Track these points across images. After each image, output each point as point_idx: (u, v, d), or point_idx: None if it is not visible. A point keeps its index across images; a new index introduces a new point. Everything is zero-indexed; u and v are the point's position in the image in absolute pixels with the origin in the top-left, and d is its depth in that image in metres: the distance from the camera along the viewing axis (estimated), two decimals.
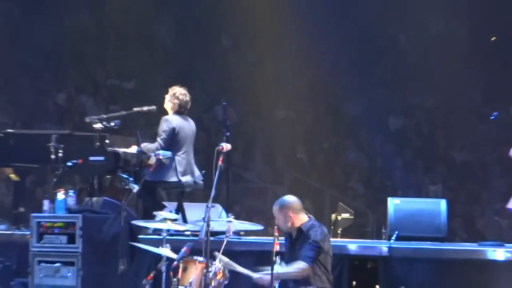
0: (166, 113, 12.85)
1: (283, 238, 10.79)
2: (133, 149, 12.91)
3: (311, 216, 11.11)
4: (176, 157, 12.74)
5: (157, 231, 11.37)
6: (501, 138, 14.96)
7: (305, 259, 10.47)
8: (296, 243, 10.91)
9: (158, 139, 12.77)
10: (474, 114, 19.11)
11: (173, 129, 12.72)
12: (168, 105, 12.92)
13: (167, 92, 12.89)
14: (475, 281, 11.80)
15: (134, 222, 11.63)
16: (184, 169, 12.83)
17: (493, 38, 20.23)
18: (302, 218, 10.86)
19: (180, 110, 12.86)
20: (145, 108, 13.28)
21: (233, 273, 10.75)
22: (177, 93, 12.91)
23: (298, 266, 10.48)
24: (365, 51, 20.63)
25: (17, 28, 20.31)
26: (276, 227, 10.76)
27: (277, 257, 10.39)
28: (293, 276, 10.44)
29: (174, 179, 12.77)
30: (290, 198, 10.96)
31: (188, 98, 12.92)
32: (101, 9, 20.76)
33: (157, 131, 12.88)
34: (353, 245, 12.45)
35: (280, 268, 10.32)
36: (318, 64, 19.65)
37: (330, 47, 20.26)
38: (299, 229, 10.85)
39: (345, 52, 20.42)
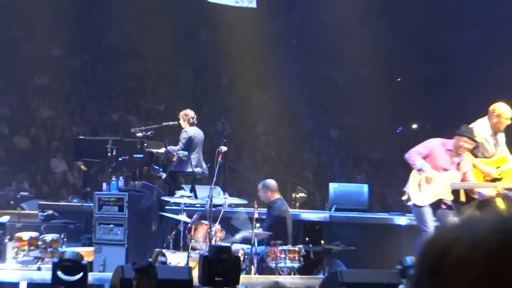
0: (182, 126, 12.87)
1: (261, 209, 10.76)
2: (162, 149, 12.81)
3: (281, 197, 11.12)
4: (191, 155, 12.67)
5: (177, 204, 11.27)
6: (403, 144, 14.91)
7: (264, 229, 10.61)
8: (268, 213, 10.93)
9: (180, 143, 12.71)
10: (386, 129, 19.05)
11: (190, 137, 12.68)
12: (183, 123, 12.85)
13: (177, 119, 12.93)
14: (386, 238, 11.73)
15: (163, 198, 11.55)
16: (196, 163, 12.76)
17: (399, 79, 20.23)
18: (274, 196, 10.87)
19: (193, 122, 12.81)
20: (170, 123, 13.23)
21: (227, 231, 10.68)
22: (186, 112, 12.92)
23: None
24: (315, 87, 20.57)
25: (87, 70, 20.21)
26: (256, 201, 10.69)
27: (257, 223, 10.33)
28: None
29: (189, 169, 12.70)
30: (270, 181, 11.06)
31: (194, 112, 12.94)
32: (144, 58, 20.66)
33: (179, 138, 12.83)
34: (306, 214, 12.37)
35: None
36: (284, 95, 19.58)
37: (292, 84, 20.16)
38: (269, 204, 10.91)
39: (303, 88, 20.33)
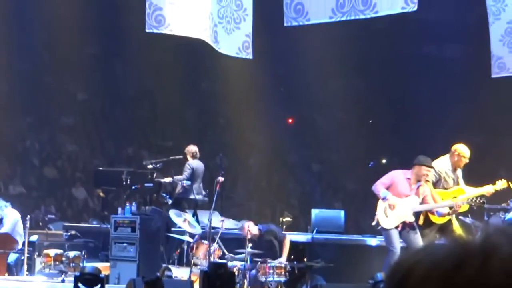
0: (187, 160, 12.77)
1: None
2: (169, 179, 12.72)
3: (260, 225, 10.99)
4: (194, 185, 12.56)
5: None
6: (374, 177, 14.79)
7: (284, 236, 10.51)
8: (260, 241, 10.74)
9: (184, 174, 12.60)
10: (359, 163, 18.98)
11: (193, 169, 12.58)
12: (188, 157, 12.78)
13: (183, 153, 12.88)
14: (360, 257, 11.61)
15: (169, 220, 11.42)
16: (198, 192, 12.65)
17: (371, 121, 20.24)
18: (255, 228, 10.75)
19: (195, 155, 12.74)
20: (176, 157, 13.15)
21: (225, 249, 10.53)
22: (190, 149, 12.83)
23: (286, 246, 10.53)
24: (299, 127, 20.52)
25: (106, 112, 20.18)
26: (248, 225, 10.58)
27: (249, 243, 10.23)
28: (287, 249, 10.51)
29: (192, 196, 12.58)
30: (245, 224, 10.84)
31: (196, 148, 12.87)
32: (155, 102, 20.63)
33: (183, 169, 12.72)
34: (291, 235, 12.24)
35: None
36: (273, 133, 19.52)
37: (279, 124, 20.07)
38: (259, 232, 10.73)
39: (288, 127, 20.28)
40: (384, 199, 9.55)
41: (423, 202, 9.55)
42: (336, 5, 10.36)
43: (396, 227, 9.56)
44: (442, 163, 9.74)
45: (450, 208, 9.46)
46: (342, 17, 10.47)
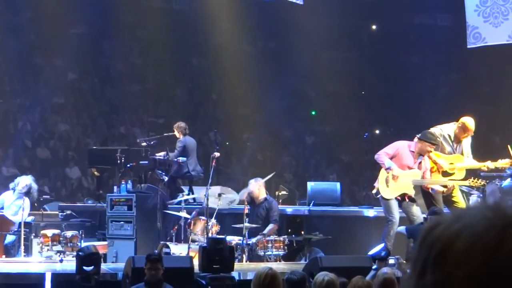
0: (176, 137, 12.70)
1: (248, 206, 10.62)
2: (162, 153, 12.64)
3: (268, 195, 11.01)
4: (188, 161, 12.51)
5: (178, 203, 11.14)
6: (368, 148, 14.80)
7: (274, 222, 10.49)
8: (260, 206, 10.73)
9: (176, 151, 12.54)
10: (353, 134, 18.96)
11: (184, 146, 12.49)
12: (178, 134, 12.67)
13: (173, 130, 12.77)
14: (356, 229, 11.65)
15: (166, 201, 11.38)
16: (193, 168, 12.61)
17: (363, 92, 20.20)
18: (264, 192, 10.79)
19: (185, 132, 12.63)
20: (170, 133, 13.08)
21: (222, 224, 10.53)
22: (179, 124, 12.75)
23: (272, 228, 10.47)
24: (291, 100, 20.40)
25: (97, 90, 20.06)
26: (245, 199, 10.56)
27: (246, 218, 10.23)
28: (271, 233, 10.46)
29: (187, 173, 12.53)
30: (262, 179, 10.99)
31: (185, 124, 12.80)
32: (146, 80, 20.48)
33: (175, 147, 12.65)
34: (288, 209, 12.25)
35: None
36: (265, 108, 19.45)
37: (272, 98, 19.92)
38: (265, 198, 10.75)
39: (281, 101, 20.11)
40: (388, 169, 9.57)
41: (422, 177, 9.58)
42: None
43: (396, 198, 9.58)
44: (446, 128, 9.77)
45: (445, 187, 9.44)
46: None
